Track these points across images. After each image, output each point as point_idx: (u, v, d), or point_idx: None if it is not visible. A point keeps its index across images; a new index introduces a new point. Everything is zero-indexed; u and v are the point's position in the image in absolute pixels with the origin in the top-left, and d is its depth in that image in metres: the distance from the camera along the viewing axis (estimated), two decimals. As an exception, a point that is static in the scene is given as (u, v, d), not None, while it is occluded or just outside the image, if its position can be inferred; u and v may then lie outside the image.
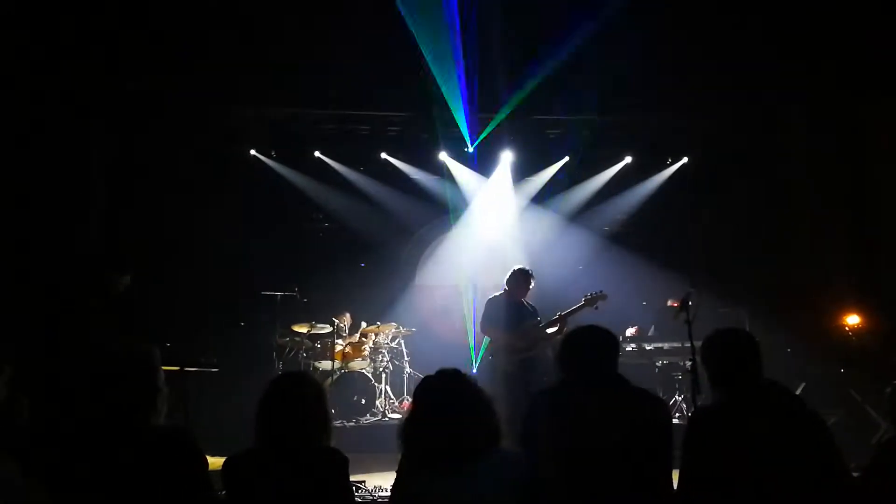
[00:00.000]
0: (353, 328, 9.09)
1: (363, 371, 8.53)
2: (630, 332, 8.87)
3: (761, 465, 2.55)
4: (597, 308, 6.43)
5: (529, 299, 6.70)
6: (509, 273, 6.65)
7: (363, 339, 8.89)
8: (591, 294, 6.53)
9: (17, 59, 6.82)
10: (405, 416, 2.81)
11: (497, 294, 6.63)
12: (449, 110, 9.12)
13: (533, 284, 6.66)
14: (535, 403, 2.97)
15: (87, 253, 7.76)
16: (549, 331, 6.42)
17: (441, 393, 2.64)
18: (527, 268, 6.72)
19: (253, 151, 10.16)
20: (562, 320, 6.42)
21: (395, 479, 2.68)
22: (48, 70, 7.19)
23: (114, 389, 2.46)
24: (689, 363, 5.27)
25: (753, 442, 2.60)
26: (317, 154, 10.26)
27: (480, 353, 7.54)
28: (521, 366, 6.18)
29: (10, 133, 6.96)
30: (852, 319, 7.77)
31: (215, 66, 8.28)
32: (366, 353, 8.77)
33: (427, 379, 2.75)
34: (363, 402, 8.25)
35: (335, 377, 8.28)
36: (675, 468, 2.78)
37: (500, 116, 9.27)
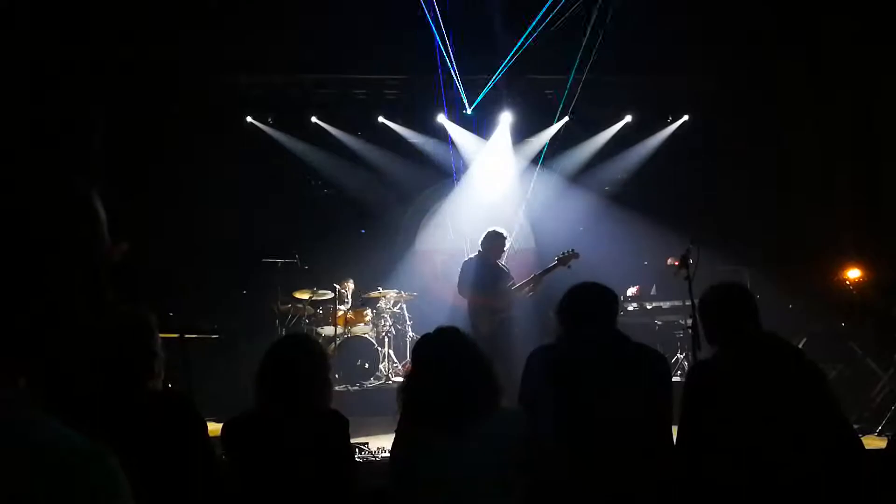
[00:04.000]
0: (356, 295, 9.11)
1: (366, 336, 8.57)
2: (631, 291, 8.87)
3: (760, 417, 2.55)
4: (569, 267, 6.48)
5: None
6: (483, 235, 6.70)
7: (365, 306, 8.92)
8: (563, 253, 6.60)
9: (12, 26, 6.73)
10: (405, 375, 2.79)
11: (471, 257, 6.71)
12: (446, 72, 9.03)
13: (508, 246, 6.77)
14: (534, 360, 2.95)
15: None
16: (524, 291, 6.54)
17: (440, 350, 2.61)
18: (500, 230, 6.75)
19: (249, 118, 10.09)
20: (535, 279, 6.50)
21: (395, 439, 2.67)
22: (44, 36, 7.10)
23: (111, 355, 2.45)
24: (689, 321, 5.27)
25: (752, 394, 2.59)
26: (314, 119, 10.18)
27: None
28: (499, 326, 6.27)
29: (6, 102, 6.88)
30: (853, 273, 7.74)
31: (210, 33, 8.17)
32: (368, 318, 8.80)
33: (425, 337, 2.72)
34: (366, 366, 8.30)
35: (338, 342, 8.31)
36: (675, 424, 2.78)
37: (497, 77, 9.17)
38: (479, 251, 6.68)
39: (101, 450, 0.84)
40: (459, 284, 6.67)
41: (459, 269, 6.75)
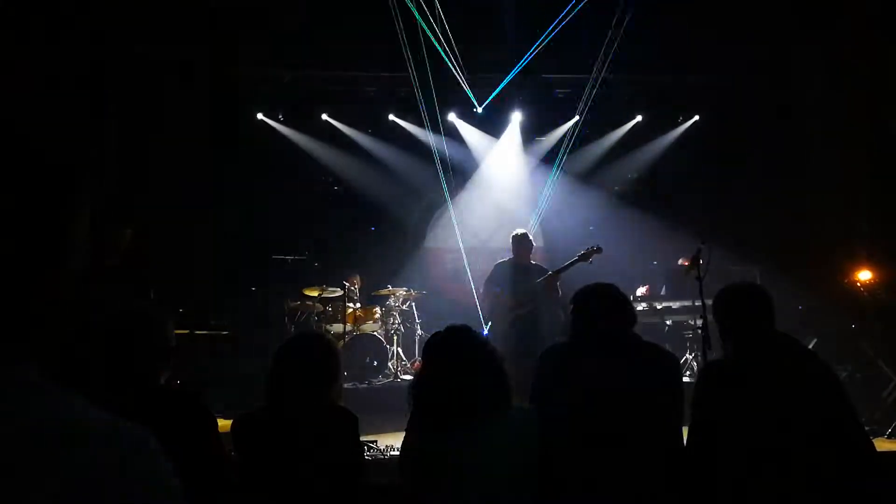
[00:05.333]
0: (364, 290, 9.11)
1: (375, 333, 8.56)
2: (641, 291, 8.85)
3: (772, 417, 2.53)
4: (591, 262, 6.46)
5: (542, 262, 6.82)
6: (510, 238, 6.81)
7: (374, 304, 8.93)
8: (586, 249, 6.57)
9: (31, 24, 6.76)
10: (415, 373, 2.78)
11: (504, 259, 6.78)
12: (458, 71, 9.02)
13: (534, 246, 6.82)
14: (546, 359, 2.94)
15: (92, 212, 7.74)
16: (548, 288, 6.54)
17: (450, 349, 2.59)
18: (522, 231, 6.81)
19: (260, 115, 10.12)
20: (554, 276, 6.50)
21: (404, 437, 2.66)
22: (60, 34, 7.13)
23: (123, 348, 2.45)
24: (699, 321, 5.25)
25: (764, 395, 2.57)
26: (324, 117, 10.19)
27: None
28: (514, 324, 6.32)
29: (25, 96, 6.91)
30: (864, 275, 7.70)
31: (221, 30, 8.20)
32: (377, 315, 8.80)
33: (436, 335, 2.69)
34: (375, 364, 8.30)
35: (347, 340, 8.32)
36: (685, 425, 2.77)
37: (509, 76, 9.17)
38: (511, 255, 6.77)
39: (146, 432, 0.82)
40: (487, 283, 6.76)
41: (491, 268, 6.83)
